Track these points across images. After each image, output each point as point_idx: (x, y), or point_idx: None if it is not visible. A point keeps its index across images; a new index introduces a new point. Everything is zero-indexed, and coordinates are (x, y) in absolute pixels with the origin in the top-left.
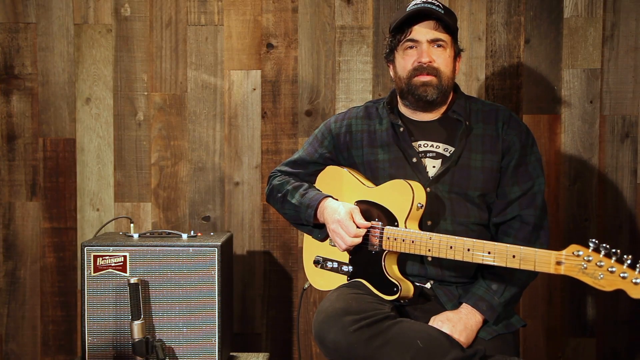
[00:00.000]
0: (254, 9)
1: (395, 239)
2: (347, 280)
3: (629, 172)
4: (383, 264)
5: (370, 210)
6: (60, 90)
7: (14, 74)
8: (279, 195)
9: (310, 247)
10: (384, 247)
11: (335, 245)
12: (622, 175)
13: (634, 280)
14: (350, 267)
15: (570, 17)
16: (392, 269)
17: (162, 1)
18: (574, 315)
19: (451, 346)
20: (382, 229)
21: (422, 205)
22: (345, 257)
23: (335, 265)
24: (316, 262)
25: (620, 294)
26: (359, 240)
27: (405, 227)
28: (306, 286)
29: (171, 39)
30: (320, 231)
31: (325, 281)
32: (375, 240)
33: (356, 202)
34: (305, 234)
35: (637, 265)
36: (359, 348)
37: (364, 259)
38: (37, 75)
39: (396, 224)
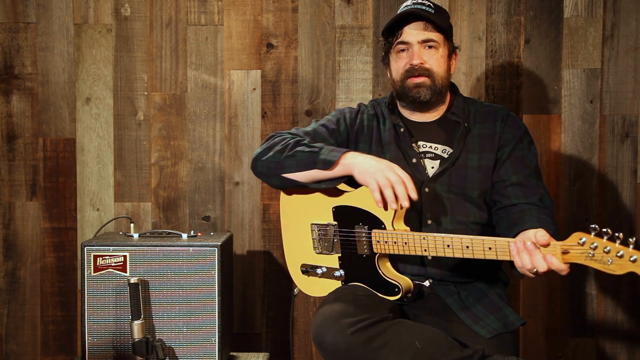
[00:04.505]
0: (254, 8)
1: (386, 242)
2: (342, 284)
3: (629, 172)
4: (377, 266)
5: (351, 215)
6: (60, 90)
7: (14, 74)
8: (287, 141)
9: (293, 256)
10: (375, 251)
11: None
12: (622, 175)
13: None
14: (341, 272)
15: (570, 17)
16: (387, 269)
17: (162, 1)
18: (574, 315)
19: (450, 347)
20: (369, 232)
21: (406, 203)
22: (335, 262)
23: (325, 270)
24: (304, 271)
25: (619, 291)
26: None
27: (394, 229)
28: (296, 292)
29: (171, 39)
30: (332, 173)
31: (317, 287)
32: (364, 245)
33: (334, 207)
34: (286, 242)
35: None
36: (358, 350)
37: (356, 263)
38: (37, 75)
39: (383, 226)
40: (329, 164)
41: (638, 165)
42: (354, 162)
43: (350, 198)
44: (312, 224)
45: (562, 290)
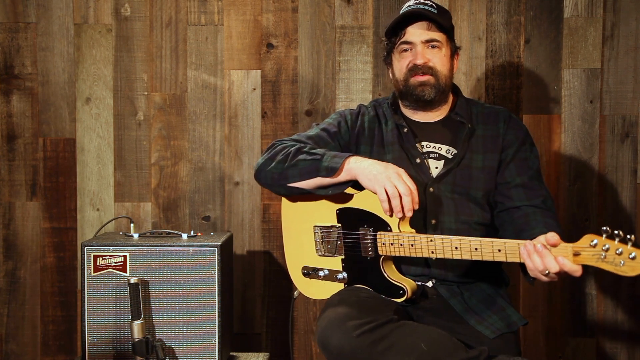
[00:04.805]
0: (254, 8)
1: (392, 244)
2: (345, 287)
3: (629, 172)
4: (382, 269)
5: (356, 217)
6: (60, 90)
7: (14, 74)
8: (288, 150)
9: (294, 258)
10: (380, 253)
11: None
12: (622, 175)
13: None
14: (344, 274)
15: (570, 17)
16: (392, 271)
17: (162, 1)
18: (574, 315)
19: (455, 348)
20: (374, 234)
21: (410, 214)
22: (337, 265)
23: (327, 272)
24: (305, 274)
25: (619, 291)
26: (415, 194)
27: (400, 231)
28: (296, 295)
29: (171, 38)
30: (332, 182)
31: (318, 290)
32: (368, 247)
33: (338, 209)
34: (286, 241)
35: None
36: (363, 353)
37: (359, 265)
38: (37, 75)
39: (389, 228)
40: (332, 171)
41: (638, 165)
42: (359, 166)
43: (355, 200)
44: (314, 225)
45: (562, 290)
